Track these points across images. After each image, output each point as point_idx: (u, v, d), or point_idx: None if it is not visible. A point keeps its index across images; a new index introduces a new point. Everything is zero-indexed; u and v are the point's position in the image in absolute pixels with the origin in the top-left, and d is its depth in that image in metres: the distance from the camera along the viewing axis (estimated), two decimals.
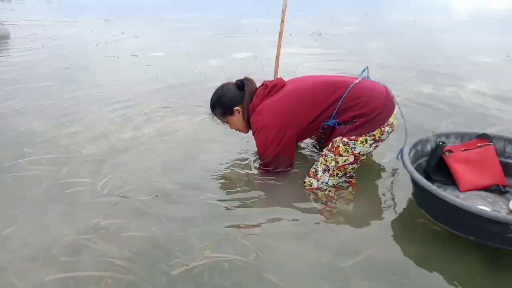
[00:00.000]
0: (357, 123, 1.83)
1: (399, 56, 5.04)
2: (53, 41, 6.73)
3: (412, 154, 1.84)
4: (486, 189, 1.83)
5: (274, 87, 1.96)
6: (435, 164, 1.91)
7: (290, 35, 6.70)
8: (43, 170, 2.22)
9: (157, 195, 1.95)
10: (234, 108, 2.01)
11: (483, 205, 1.70)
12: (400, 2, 14.94)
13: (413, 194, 1.84)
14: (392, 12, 10.65)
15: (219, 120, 2.14)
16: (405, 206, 1.87)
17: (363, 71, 1.98)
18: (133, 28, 8.29)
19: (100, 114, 3.08)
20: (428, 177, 1.91)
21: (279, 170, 2.06)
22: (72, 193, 2.00)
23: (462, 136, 1.98)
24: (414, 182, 1.67)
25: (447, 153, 1.89)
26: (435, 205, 1.57)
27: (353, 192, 1.96)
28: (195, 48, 5.90)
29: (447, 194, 1.49)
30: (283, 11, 2.71)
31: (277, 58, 2.83)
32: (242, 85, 2.01)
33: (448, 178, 1.89)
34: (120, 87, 3.83)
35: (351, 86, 1.85)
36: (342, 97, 1.84)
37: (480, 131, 1.99)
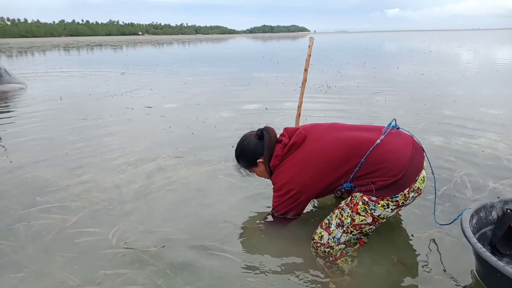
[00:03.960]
0: (375, 186, 1.71)
1: (408, 107, 5.11)
2: (71, 93, 7.07)
3: (474, 221, 1.66)
4: None
5: (293, 145, 1.90)
6: (503, 235, 1.71)
7: (300, 87, 6.89)
8: (53, 219, 2.23)
9: (164, 246, 1.92)
10: (258, 160, 2.00)
11: None
12: (407, 57, 15.42)
13: (476, 269, 1.64)
14: (400, 66, 10.96)
15: (246, 171, 2.13)
16: (416, 267, 1.79)
17: (389, 124, 1.86)
18: (148, 81, 8.66)
19: (112, 163, 3.13)
20: (495, 249, 1.72)
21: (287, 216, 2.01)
22: (80, 242, 1.98)
23: None
24: (476, 254, 1.49)
25: None
26: (501, 283, 1.37)
27: (358, 249, 1.87)
28: (206, 100, 6.09)
29: None
30: (307, 60, 2.81)
31: (299, 106, 2.90)
32: (262, 135, 1.99)
33: None
34: (133, 137, 3.93)
35: (369, 151, 1.73)
36: (360, 163, 1.74)
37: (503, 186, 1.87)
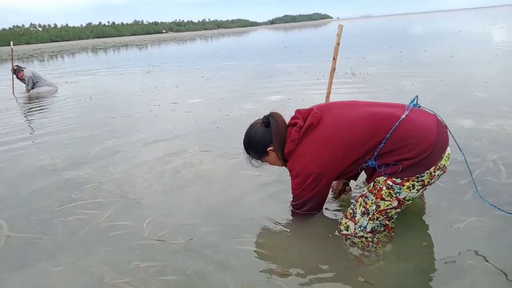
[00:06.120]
0: (402, 165, 1.64)
1: (437, 91, 4.95)
2: (100, 92, 7.31)
3: None
4: None
5: (310, 127, 1.80)
6: None
7: (324, 76, 6.81)
8: (88, 214, 2.33)
9: (191, 238, 1.97)
10: (268, 149, 1.91)
11: None
12: (435, 38, 14.86)
13: None
14: (427, 49, 10.58)
15: (258, 162, 2.06)
16: (452, 249, 1.75)
17: (412, 101, 1.79)
18: (173, 78, 8.81)
19: (142, 159, 3.22)
20: None
21: (308, 212, 1.95)
22: (114, 236, 2.07)
23: None
24: None
25: None
26: None
27: (389, 234, 1.83)
28: (230, 93, 6.13)
29: None
30: (335, 49, 2.76)
31: (327, 96, 2.86)
32: (269, 122, 1.90)
33: None
34: (161, 133, 4.02)
35: (395, 125, 1.65)
36: (385, 139, 1.65)
37: None
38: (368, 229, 1.80)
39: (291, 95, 5.49)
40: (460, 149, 1.83)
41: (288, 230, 2.00)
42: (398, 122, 1.65)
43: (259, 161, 2.04)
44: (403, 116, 1.68)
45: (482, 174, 2.42)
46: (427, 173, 1.64)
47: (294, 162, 1.85)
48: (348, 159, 1.74)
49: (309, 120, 1.81)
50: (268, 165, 2.08)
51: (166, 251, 1.88)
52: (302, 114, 1.87)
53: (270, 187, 2.50)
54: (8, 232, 2.20)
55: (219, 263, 1.76)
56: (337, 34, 2.76)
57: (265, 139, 1.90)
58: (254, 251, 1.84)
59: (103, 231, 2.13)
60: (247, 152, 2.02)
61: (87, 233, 2.12)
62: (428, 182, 1.68)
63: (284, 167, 1.99)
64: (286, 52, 14.38)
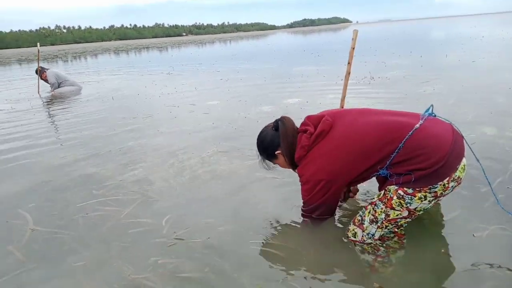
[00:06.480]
0: (414, 176, 1.61)
1: (458, 97, 4.86)
2: (122, 93, 7.47)
3: None
4: None
5: (321, 134, 1.80)
6: None
7: (342, 80, 6.76)
8: (109, 211, 2.39)
9: (209, 238, 2.00)
10: (276, 152, 1.93)
11: None
12: (457, 43, 14.57)
13: None
14: (449, 54, 10.39)
15: (270, 163, 2.07)
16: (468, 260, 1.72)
17: (427, 110, 1.75)
18: (192, 80, 8.92)
19: (161, 159, 3.29)
20: None
21: (319, 216, 1.95)
22: (133, 233, 2.12)
23: None
24: None
25: None
26: None
27: (400, 241, 1.81)
28: (248, 96, 6.17)
29: None
30: (350, 53, 2.76)
31: (342, 100, 2.86)
32: (278, 126, 1.91)
33: None
34: (180, 133, 4.09)
35: (408, 135, 1.62)
36: (398, 148, 1.63)
37: None
38: (376, 237, 1.79)
39: (309, 98, 5.49)
40: (478, 160, 1.79)
41: (304, 233, 2.02)
42: (411, 132, 1.63)
43: (271, 164, 2.07)
44: (417, 125, 1.65)
45: (504, 182, 2.37)
46: (440, 185, 1.61)
47: (304, 168, 1.85)
48: (359, 167, 1.73)
49: (320, 127, 1.81)
50: (279, 167, 2.10)
51: (184, 249, 1.92)
52: (312, 121, 1.88)
53: (286, 189, 2.51)
54: (33, 225, 2.28)
55: (235, 263, 1.79)
56: (352, 39, 2.77)
57: (274, 142, 1.92)
58: (269, 252, 1.86)
59: (123, 227, 2.18)
60: (259, 153, 2.05)
61: (108, 229, 2.18)
62: (441, 193, 1.64)
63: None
64: (305, 55, 14.36)
